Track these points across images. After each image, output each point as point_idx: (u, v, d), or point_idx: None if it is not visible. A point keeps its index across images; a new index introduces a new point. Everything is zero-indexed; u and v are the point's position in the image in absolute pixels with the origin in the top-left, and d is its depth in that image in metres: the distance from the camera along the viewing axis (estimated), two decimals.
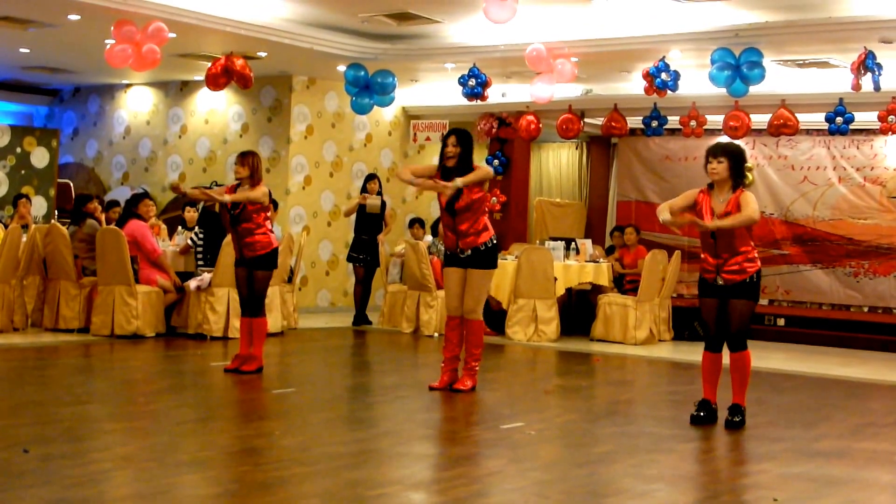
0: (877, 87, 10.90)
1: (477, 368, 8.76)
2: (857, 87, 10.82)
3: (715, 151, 7.59)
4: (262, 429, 7.07)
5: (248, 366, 9.19)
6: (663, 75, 11.73)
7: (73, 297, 11.53)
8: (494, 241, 8.60)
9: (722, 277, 7.52)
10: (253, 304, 9.23)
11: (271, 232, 9.26)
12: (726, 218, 7.38)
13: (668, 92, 11.92)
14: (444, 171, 8.47)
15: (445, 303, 8.87)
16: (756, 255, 7.58)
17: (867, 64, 10.65)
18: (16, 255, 11.31)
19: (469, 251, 8.51)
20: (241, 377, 8.97)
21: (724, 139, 14.32)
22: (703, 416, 7.71)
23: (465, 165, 8.41)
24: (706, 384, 7.77)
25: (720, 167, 7.50)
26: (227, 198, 8.95)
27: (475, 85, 12.77)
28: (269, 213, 9.25)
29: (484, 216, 8.54)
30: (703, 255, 7.64)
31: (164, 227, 13.37)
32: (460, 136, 8.53)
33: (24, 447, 5.94)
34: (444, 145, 8.55)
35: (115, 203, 13.24)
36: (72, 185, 16.59)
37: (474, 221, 8.45)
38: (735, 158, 7.53)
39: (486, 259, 8.54)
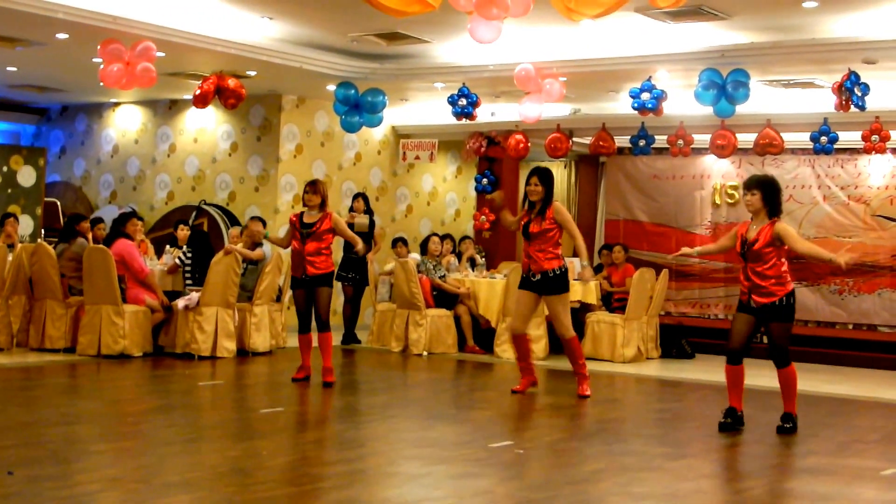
0: (859, 106, 10.97)
1: (587, 374, 9.79)
2: (846, 107, 10.91)
3: (749, 185, 8.15)
4: (250, 449, 7.06)
5: (330, 377, 9.91)
6: (643, 95, 11.81)
7: (59, 316, 11.50)
8: (564, 269, 9.52)
9: (753, 300, 8.01)
10: (320, 321, 9.95)
11: (331, 256, 10.06)
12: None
13: (656, 112, 11.98)
14: (530, 206, 9.50)
15: (511, 321, 9.93)
16: (789, 278, 8.03)
17: (846, 85, 10.78)
18: (1, 274, 11.31)
19: (539, 275, 9.40)
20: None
21: (712, 158, 14.46)
22: (730, 423, 8.21)
23: (546, 201, 9.42)
24: (731, 393, 8.31)
25: (754, 199, 8.05)
26: (361, 246, 10.31)
27: (466, 104, 12.82)
28: (333, 238, 10.05)
29: (556, 247, 9.47)
30: (741, 279, 8.15)
31: (150, 245, 13.34)
32: (542, 175, 9.50)
33: (10, 469, 5.93)
34: (528, 183, 9.51)
35: (98, 220, 13.24)
36: (59, 204, 16.57)
37: (546, 247, 9.37)
38: (767, 189, 8.04)
39: (556, 284, 9.44)
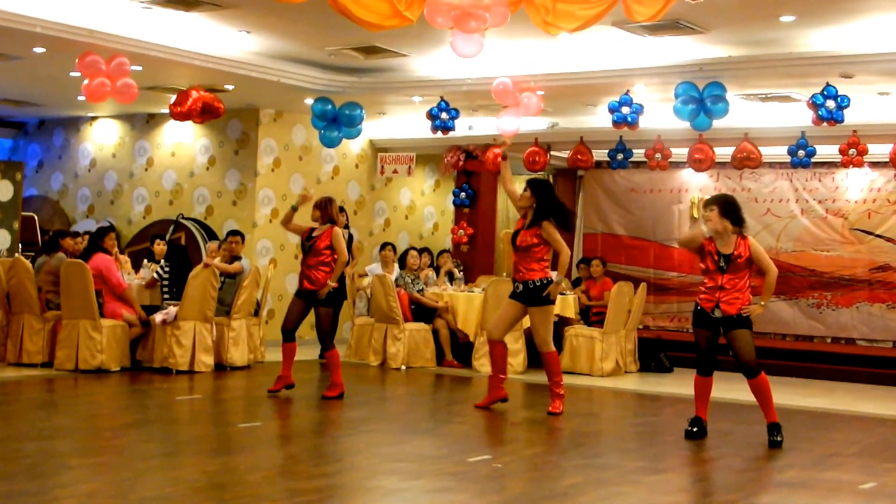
0: (832, 120, 11.04)
1: (562, 393, 9.57)
2: (830, 122, 10.99)
3: (706, 203, 8.45)
4: (227, 464, 7.03)
5: (330, 392, 9.95)
6: (623, 109, 11.85)
7: (36, 331, 11.43)
8: (548, 281, 9.34)
9: (720, 309, 8.22)
10: (324, 340, 10.12)
11: (332, 272, 10.01)
12: (766, 295, 8.29)
13: (632, 125, 12.02)
14: (524, 215, 9.54)
15: (488, 327, 9.88)
16: (749, 292, 8.32)
17: (813, 100, 10.89)
18: None
19: (521, 286, 9.36)
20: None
21: (689, 172, 14.53)
22: (696, 432, 8.47)
23: (539, 214, 9.39)
24: (698, 403, 8.55)
25: (712, 214, 8.29)
26: (331, 284, 9.89)
27: (448, 119, 12.84)
28: (335, 255, 9.98)
29: (541, 262, 9.40)
30: (703, 288, 8.37)
31: (126, 259, 13.26)
32: (534, 185, 9.53)
33: None
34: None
35: (76, 234, 13.17)
36: (36, 218, 16.48)
37: (529, 261, 9.33)
38: (724, 205, 8.31)
39: (538, 295, 9.32)
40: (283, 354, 10.11)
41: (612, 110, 11.89)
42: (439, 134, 13.10)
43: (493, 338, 9.65)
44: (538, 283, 9.31)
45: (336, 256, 9.92)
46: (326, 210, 10.04)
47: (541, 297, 9.32)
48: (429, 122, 13.02)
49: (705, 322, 8.34)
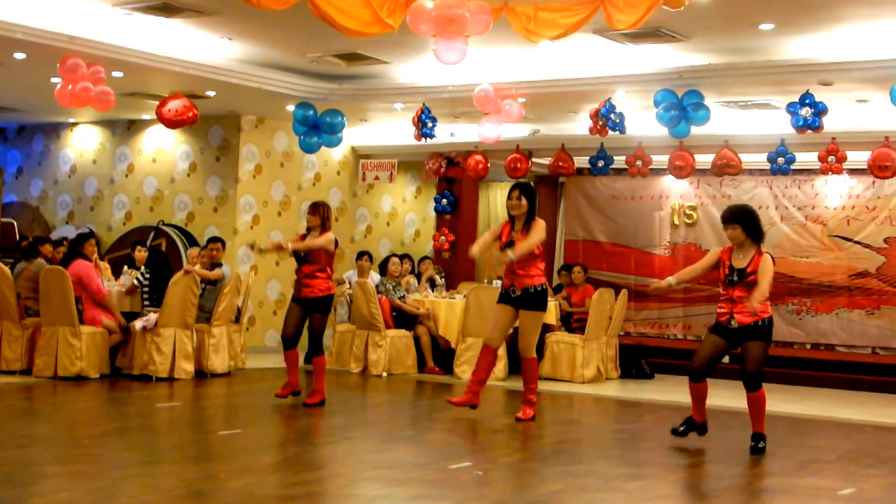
0: (808, 127, 11.11)
1: (535, 400, 9.48)
2: (809, 128, 11.09)
3: (726, 219, 8.38)
4: (207, 471, 7.00)
5: (311, 399, 9.87)
6: (612, 116, 11.88)
7: (15, 338, 11.37)
8: (544, 287, 9.34)
9: (735, 320, 8.13)
10: (313, 345, 9.99)
11: (330, 278, 9.97)
12: (750, 302, 7.98)
13: (615, 132, 12.06)
14: (512, 221, 9.36)
15: (487, 333, 9.65)
16: (768, 303, 8.21)
17: (788, 109, 10.98)
18: None
19: (520, 291, 9.24)
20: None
21: (670, 179, 14.56)
22: (682, 431, 8.48)
23: (530, 216, 9.29)
24: (694, 406, 8.47)
25: (735, 233, 8.28)
26: (291, 246, 9.78)
27: (431, 126, 12.86)
28: (332, 260, 9.97)
29: (537, 264, 9.30)
30: (720, 299, 8.33)
31: (106, 265, 13.21)
32: (524, 189, 9.37)
33: None
34: (509, 198, 9.38)
35: (59, 243, 13.12)
36: (15, 224, 16.40)
37: (527, 266, 9.21)
38: (747, 220, 8.28)
39: (536, 301, 9.28)
40: (287, 363, 10.05)
41: (603, 116, 11.89)
42: (421, 140, 13.11)
43: (492, 345, 9.52)
44: (538, 289, 9.26)
45: (330, 261, 9.88)
46: (324, 215, 9.95)
47: (537, 303, 9.28)
48: (410, 130, 13.03)
49: (721, 332, 8.26)
